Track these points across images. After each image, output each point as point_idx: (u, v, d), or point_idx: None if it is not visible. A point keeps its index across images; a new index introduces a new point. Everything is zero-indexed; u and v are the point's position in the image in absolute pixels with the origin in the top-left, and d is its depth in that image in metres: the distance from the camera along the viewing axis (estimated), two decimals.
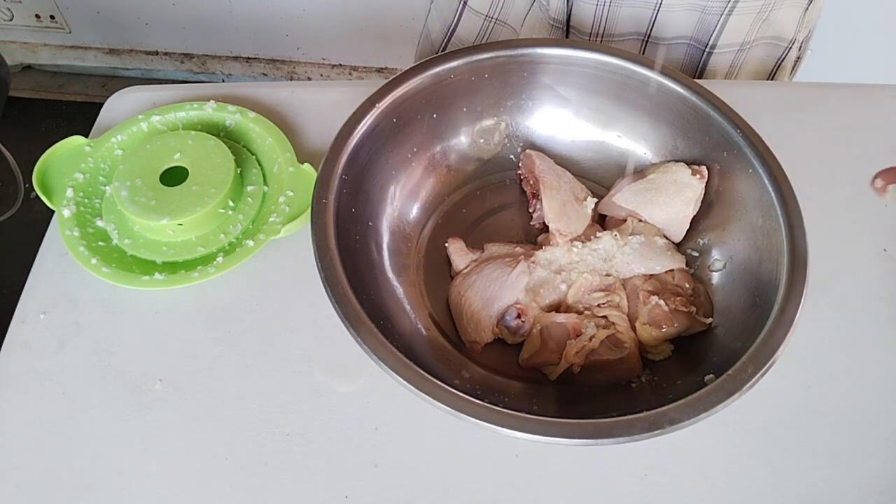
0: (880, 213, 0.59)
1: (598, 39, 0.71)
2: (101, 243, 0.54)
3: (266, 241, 0.54)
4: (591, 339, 0.48)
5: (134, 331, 0.52)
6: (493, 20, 0.74)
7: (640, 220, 0.54)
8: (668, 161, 0.56)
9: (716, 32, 0.69)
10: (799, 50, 0.78)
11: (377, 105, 0.52)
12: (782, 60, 0.75)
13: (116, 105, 0.66)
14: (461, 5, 0.74)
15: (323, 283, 0.44)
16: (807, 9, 0.71)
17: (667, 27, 0.70)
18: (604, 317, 0.50)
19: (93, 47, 1.75)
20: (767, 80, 0.76)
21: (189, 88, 0.67)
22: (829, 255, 0.56)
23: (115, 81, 1.82)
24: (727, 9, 0.67)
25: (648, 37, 0.70)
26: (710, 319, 0.49)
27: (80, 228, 0.54)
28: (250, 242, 0.54)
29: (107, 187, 0.58)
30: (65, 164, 0.58)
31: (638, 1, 0.67)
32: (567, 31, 0.72)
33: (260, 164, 0.59)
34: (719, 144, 0.52)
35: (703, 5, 0.67)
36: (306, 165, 0.58)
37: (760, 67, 0.75)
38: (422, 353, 0.47)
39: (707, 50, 0.71)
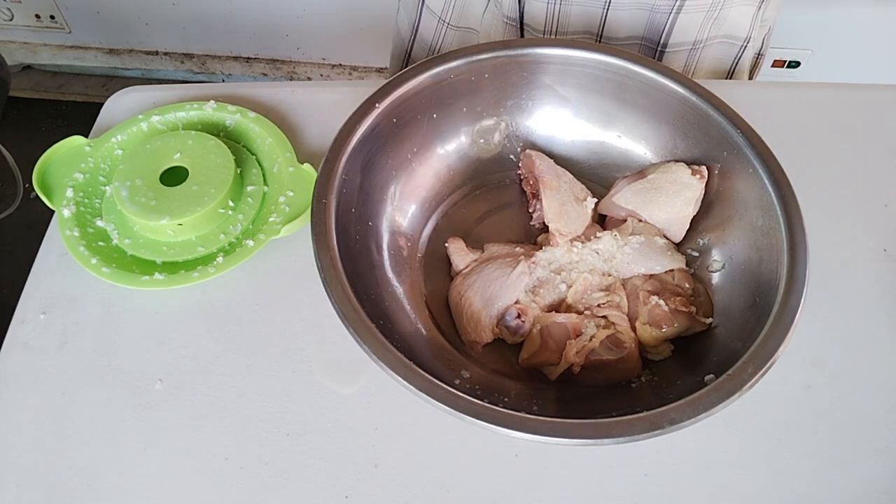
0: (880, 213, 0.59)
1: (552, 37, 0.71)
2: (101, 243, 0.54)
3: (266, 241, 0.54)
4: (591, 339, 0.48)
5: (134, 331, 0.52)
6: (446, 24, 0.74)
7: (640, 220, 0.54)
8: (668, 161, 0.56)
9: (665, 31, 0.69)
10: (761, 48, 0.78)
11: (377, 105, 0.52)
12: (739, 59, 0.74)
13: (116, 105, 0.66)
14: (420, 4, 0.75)
15: (323, 283, 0.44)
16: (760, 6, 0.71)
17: (617, 27, 0.70)
18: (604, 317, 0.50)
19: (93, 47, 1.75)
20: (726, 79, 0.76)
21: (189, 88, 0.67)
22: (829, 255, 0.56)
23: (115, 81, 1.82)
24: (675, 7, 0.67)
25: (601, 37, 0.71)
26: (710, 319, 0.49)
27: (80, 228, 0.54)
28: (250, 242, 0.54)
29: (107, 187, 0.58)
30: (65, 164, 0.58)
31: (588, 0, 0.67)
32: (521, 29, 0.72)
33: (260, 164, 0.59)
34: (719, 144, 0.52)
35: (652, 4, 0.67)
36: (306, 165, 0.58)
37: (718, 66, 0.75)
38: (422, 353, 0.47)
39: (659, 49, 0.71)
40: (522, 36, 0.73)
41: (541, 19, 0.70)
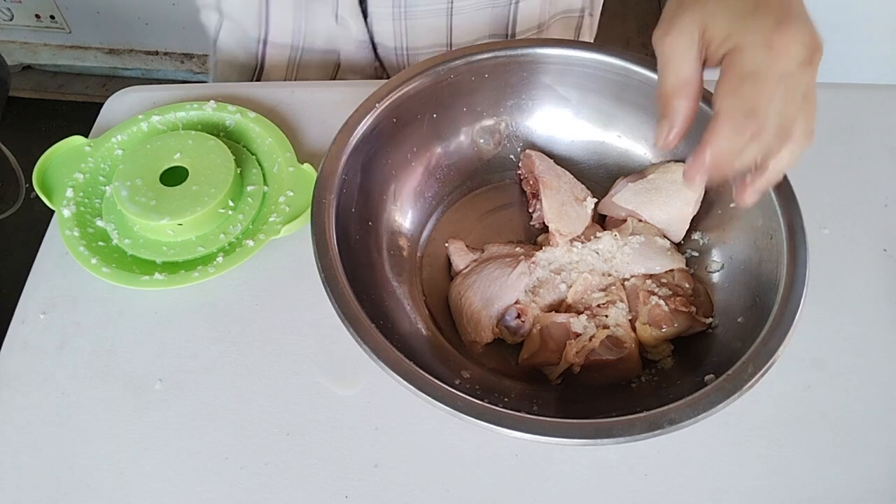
0: (880, 213, 0.59)
1: (404, 54, 0.72)
2: (101, 243, 0.54)
3: (266, 241, 0.54)
4: (591, 339, 0.48)
5: (134, 331, 0.52)
6: (300, 49, 0.73)
7: (640, 220, 0.54)
8: (668, 161, 0.56)
9: (510, 23, 0.70)
10: (591, 13, 0.81)
11: (377, 105, 0.52)
12: (579, 30, 0.77)
13: (116, 105, 0.66)
14: (262, 45, 0.73)
15: (323, 283, 0.44)
16: None
17: (463, 31, 0.70)
18: (604, 316, 0.50)
19: (93, 47, 1.75)
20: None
21: (189, 88, 0.67)
22: (829, 255, 0.56)
23: (115, 81, 1.82)
24: None
25: (451, 45, 0.71)
26: (710, 319, 0.49)
27: (80, 228, 0.54)
28: (250, 242, 0.54)
29: (107, 187, 0.58)
30: (65, 164, 0.58)
31: (431, 11, 0.68)
32: (374, 48, 0.73)
33: (260, 164, 0.59)
34: None
35: (490, 0, 0.68)
36: (306, 165, 0.58)
37: None
38: (422, 353, 0.47)
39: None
40: (377, 55, 0.73)
41: (390, 36, 0.70)
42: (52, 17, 1.66)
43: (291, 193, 0.56)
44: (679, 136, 0.42)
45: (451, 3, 0.68)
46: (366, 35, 0.71)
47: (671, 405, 0.39)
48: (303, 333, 0.52)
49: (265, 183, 0.58)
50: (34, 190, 0.56)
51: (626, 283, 0.52)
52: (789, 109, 0.37)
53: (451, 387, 0.40)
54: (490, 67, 0.56)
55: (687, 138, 0.55)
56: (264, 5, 0.71)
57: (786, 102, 0.37)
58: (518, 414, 0.39)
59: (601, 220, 0.57)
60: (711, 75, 0.40)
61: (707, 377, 0.42)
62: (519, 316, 0.50)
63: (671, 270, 0.52)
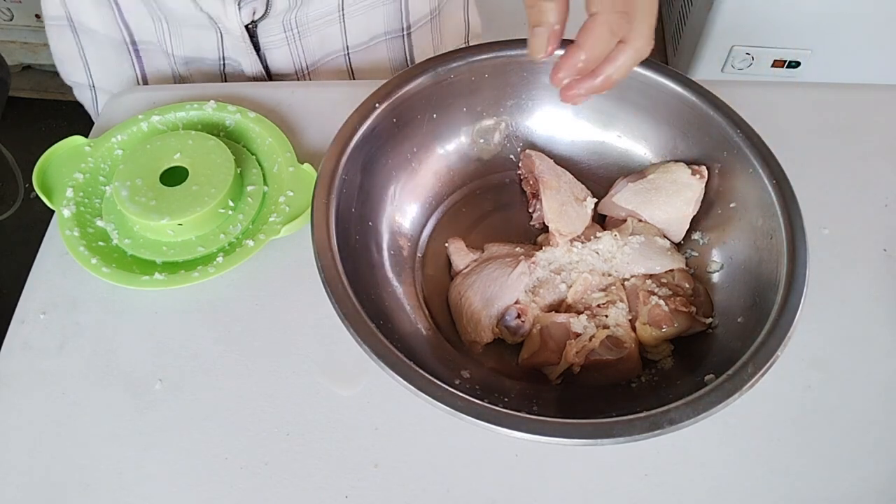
0: (880, 213, 0.59)
1: (304, 73, 0.71)
2: (101, 243, 0.54)
3: (266, 241, 0.54)
4: (591, 339, 0.48)
5: (134, 331, 0.52)
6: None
7: (640, 220, 0.54)
8: (668, 161, 0.56)
9: (404, 14, 0.70)
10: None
11: (377, 105, 0.52)
12: (468, 9, 0.78)
13: (116, 105, 0.66)
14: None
15: (323, 283, 0.44)
16: None
17: (359, 32, 0.70)
18: (604, 316, 0.50)
19: None
20: (465, 32, 0.80)
21: (189, 88, 0.67)
22: (829, 255, 0.56)
23: None
24: None
25: (348, 49, 0.71)
26: (710, 319, 0.49)
27: (80, 228, 0.54)
28: (250, 242, 0.54)
29: (107, 187, 0.58)
30: (65, 164, 0.58)
31: (324, 22, 0.67)
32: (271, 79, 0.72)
33: (260, 164, 0.59)
34: (719, 144, 0.52)
35: None
36: (306, 165, 0.58)
37: (455, 20, 0.78)
38: (422, 353, 0.47)
39: (405, 33, 0.72)
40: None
41: (287, 62, 0.70)
42: None
43: (291, 193, 0.56)
44: (557, 38, 0.41)
45: (342, 9, 0.67)
46: (259, 67, 0.70)
47: (671, 405, 0.39)
48: (303, 333, 0.52)
49: (265, 183, 0.58)
50: (34, 190, 0.56)
51: (626, 283, 0.52)
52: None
53: (451, 387, 0.40)
54: (490, 67, 0.56)
55: (686, 138, 0.55)
56: (140, 75, 0.71)
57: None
58: (518, 414, 0.39)
59: (601, 220, 0.58)
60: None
61: (707, 377, 0.42)
62: (519, 316, 0.50)
63: (671, 270, 0.52)
